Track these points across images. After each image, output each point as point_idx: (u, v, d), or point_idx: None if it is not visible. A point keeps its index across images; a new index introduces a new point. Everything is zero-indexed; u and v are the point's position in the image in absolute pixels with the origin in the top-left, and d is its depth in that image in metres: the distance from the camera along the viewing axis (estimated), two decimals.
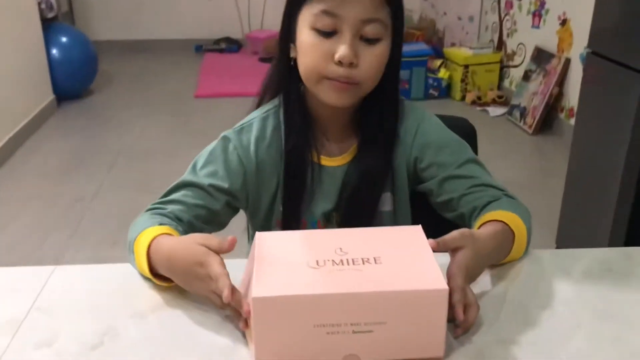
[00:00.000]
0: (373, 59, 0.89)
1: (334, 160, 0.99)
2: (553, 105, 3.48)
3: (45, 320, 0.76)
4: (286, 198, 0.98)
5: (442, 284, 0.65)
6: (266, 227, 1.01)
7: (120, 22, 5.32)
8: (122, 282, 0.84)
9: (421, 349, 0.67)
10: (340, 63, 0.87)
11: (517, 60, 3.96)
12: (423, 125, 1.00)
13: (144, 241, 0.81)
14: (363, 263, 0.68)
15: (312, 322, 0.64)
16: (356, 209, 0.98)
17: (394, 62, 0.94)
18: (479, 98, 3.99)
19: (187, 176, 0.95)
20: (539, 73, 3.61)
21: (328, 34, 0.87)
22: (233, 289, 0.68)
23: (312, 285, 0.65)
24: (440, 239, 0.74)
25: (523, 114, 3.64)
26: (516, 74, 3.94)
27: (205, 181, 0.94)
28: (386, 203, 1.01)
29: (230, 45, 5.26)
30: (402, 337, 0.66)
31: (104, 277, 0.87)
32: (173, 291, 0.80)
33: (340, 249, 0.71)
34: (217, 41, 5.31)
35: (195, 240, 0.75)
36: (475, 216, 0.92)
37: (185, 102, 4.10)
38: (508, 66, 4.07)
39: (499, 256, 0.86)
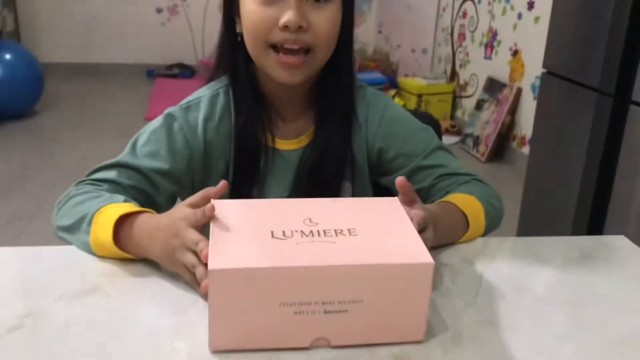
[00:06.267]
0: (324, 20, 0.82)
1: (290, 143, 0.93)
2: (505, 134, 3.53)
3: None
4: (236, 183, 0.90)
5: (427, 258, 0.58)
6: None
7: (69, 44, 5.17)
8: (56, 264, 0.75)
9: (399, 333, 0.60)
10: (286, 28, 0.80)
11: (469, 90, 4.02)
12: (388, 113, 0.95)
13: (111, 213, 0.73)
14: (336, 234, 0.61)
15: (277, 299, 0.56)
16: (314, 196, 0.92)
17: (347, 30, 0.89)
18: None
19: (125, 156, 0.87)
20: (491, 102, 3.66)
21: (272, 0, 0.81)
22: None
23: (277, 256, 0.57)
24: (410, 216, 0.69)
25: (476, 143, 3.68)
26: (469, 104, 4.00)
27: (146, 164, 0.86)
28: (345, 192, 0.94)
29: (184, 71, 5.17)
30: (380, 319, 0.59)
31: (38, 259, 0.77)
32: (110, 272, 0.72)
33: (310, 219, 0.64)
34: (170, 67, 5.21)
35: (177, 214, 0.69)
36: None
37: (135, 124, 3.95)
38: (461, 96, 4.13)
39: (453, 237, 0.83)
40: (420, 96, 4.05)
